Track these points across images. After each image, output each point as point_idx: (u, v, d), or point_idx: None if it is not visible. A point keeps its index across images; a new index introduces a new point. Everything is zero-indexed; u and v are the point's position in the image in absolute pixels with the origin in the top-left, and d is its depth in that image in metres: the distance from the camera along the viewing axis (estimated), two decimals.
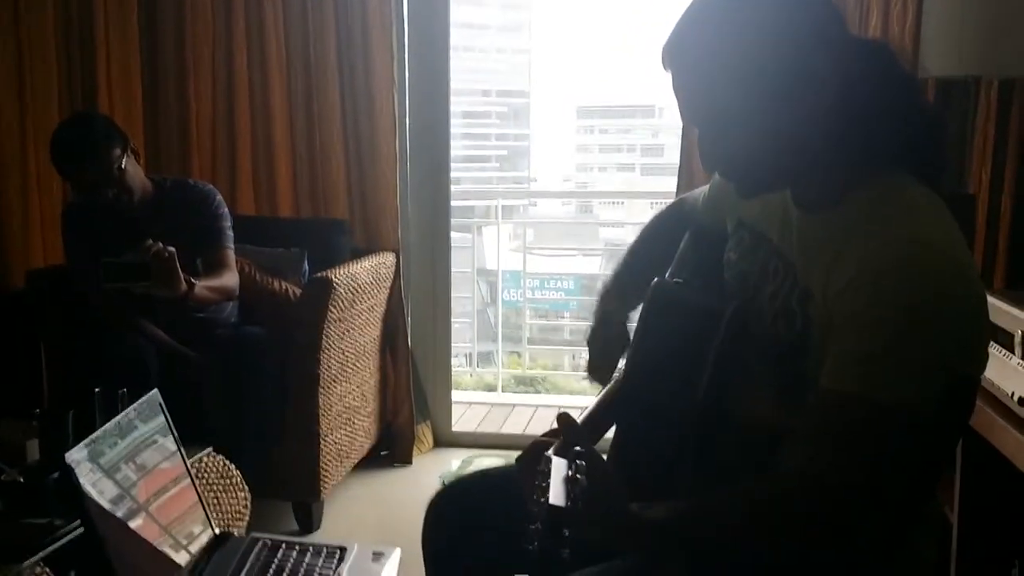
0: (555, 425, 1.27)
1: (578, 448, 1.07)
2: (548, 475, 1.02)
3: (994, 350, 1.76)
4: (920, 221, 1.11)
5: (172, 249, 2.50)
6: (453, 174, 3.72)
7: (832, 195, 1.18)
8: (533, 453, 1.27)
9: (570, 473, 1.02)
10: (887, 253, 1.08)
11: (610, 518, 1.08)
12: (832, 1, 1.21)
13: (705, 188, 1.56)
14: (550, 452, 1.15)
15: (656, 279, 1.41)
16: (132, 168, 2.75)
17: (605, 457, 1.30)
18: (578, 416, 1.48)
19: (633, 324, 1.51)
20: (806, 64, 1.12)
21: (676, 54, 1.17)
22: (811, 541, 1.11)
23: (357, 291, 3.02)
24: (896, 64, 1.21)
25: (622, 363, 1.50)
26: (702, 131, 1.19)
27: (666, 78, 1.19)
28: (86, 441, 1.37)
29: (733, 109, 1.13)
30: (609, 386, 1.52)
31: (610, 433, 1.48)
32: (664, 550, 1.13)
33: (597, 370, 1.54)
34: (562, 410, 1.24)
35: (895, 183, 1.15)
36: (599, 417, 1.50)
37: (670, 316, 1.37)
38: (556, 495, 0.98)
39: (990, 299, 1.22)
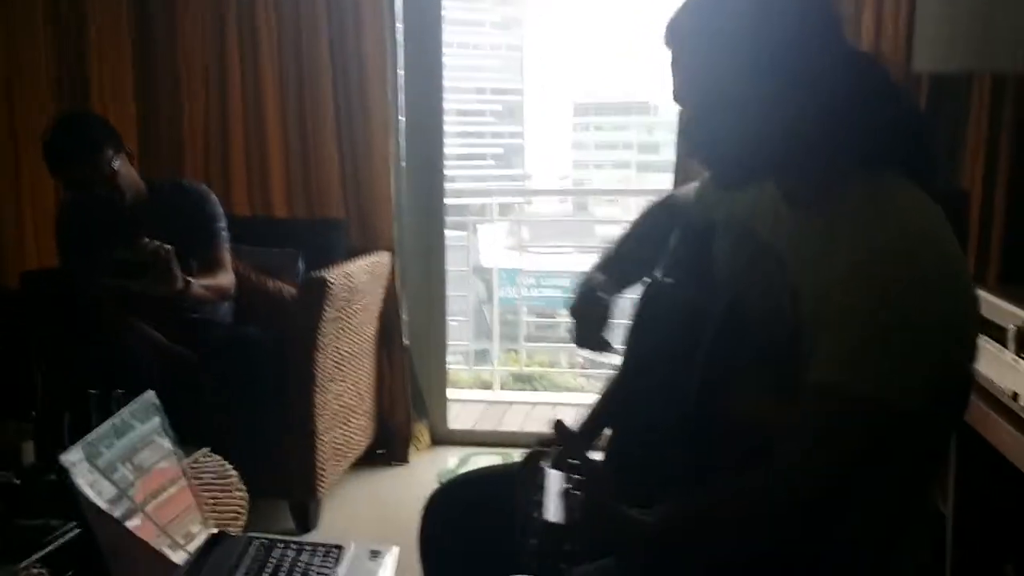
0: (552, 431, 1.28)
1: (571, 460, 1.07)
2: (543, 489, 1.02)
3: (988, 345, 1.77)
4: (906, 219, 1.11)
5: (169, 247, 2.50)
6: (448, 172, 3.72)
7: (820, 193, 1.19)
8: (530, 464, 1.27)
9: (565, 487, 1.02)
10: (873, 249, 1.09)
11: (606, 524, 1.08)
12: (835, 6, 1.22)
13: (696, 184, 1.56)
14: (545, 464, 1.15)
15: (647, 279, 1.42)
16: (125, 168, 2.75)
17: (601, 457, 1.30)
18: (575, 418, 1.48)
19: (618, 304, 1.51)
20: (804, 60, 1.13)
21: (678, 31, 1.18)
22: (803, 534, 1.12)
23: (353, 290, 3.02)
24: (888, 73, 1.22)
25: (615, 361, 1.50)
26: (691, 113, 1.19)
27: (662, 62, 1.19)
28: (82, 442, 1.37)
29: (727, 93, 1.14)
30: (604, 388, 1.52)
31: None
32: (660, 552, 1.13)
33: (582, 338, 1.53)
34: (558, 416, 1.24)
35: (883, 183, 1.15)
36: (596, 420, 1.50)
37: (662, 317, 1.37)
38: (552, 510, 0.98)
39: (983, 294, 1.22)
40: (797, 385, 1.14)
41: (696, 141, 1.20)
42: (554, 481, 1.03)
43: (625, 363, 1.42)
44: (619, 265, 1.56)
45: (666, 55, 1.19)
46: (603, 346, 1.52)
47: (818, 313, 1.13)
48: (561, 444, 1.22)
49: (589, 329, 1.52)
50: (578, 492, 1.01)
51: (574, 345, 1.55)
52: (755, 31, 1.12)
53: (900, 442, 1.09)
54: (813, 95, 1.13)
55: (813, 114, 1.14)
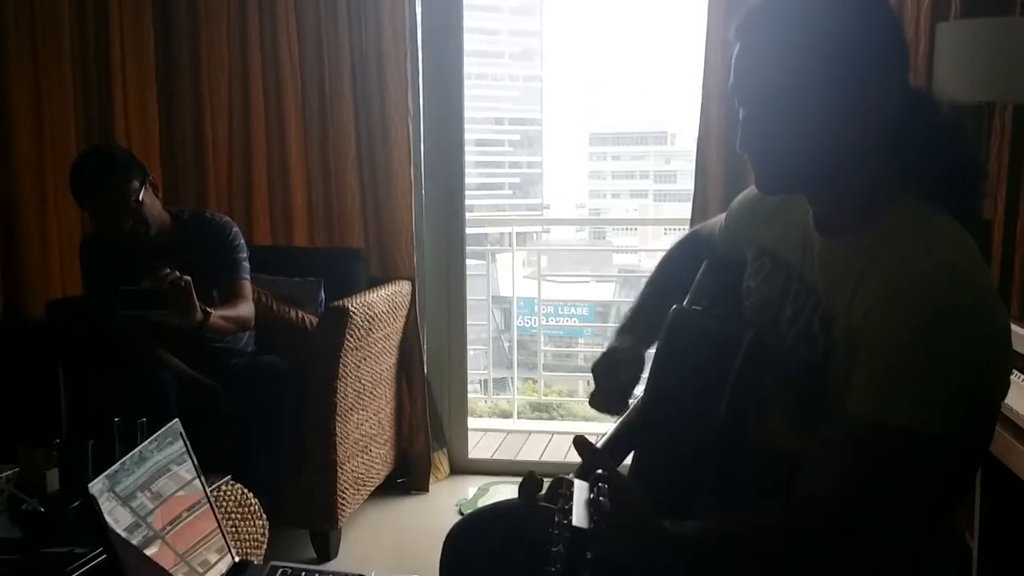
0: (573, 453, 1.27)
1: (599, 471, 1.07)
2: (570, 498, 1.02)
3: (1012, 376, 1.76)
4: (943, 248, 1.11)
5: (188, 278, 2.52)
6: (467, 202, 3.74)
7: (856, 219, 1.18)
8: (553, 485, 1.27)
9: (591, 496, 1.02)
10: (910, 279, 1.08)
11: (637, 531, 1.08)
12: (907, 40, 1.22)
13: (721, 217, 1.56)
14: (571, 476, 1.15)
15: (675, 306, 1.42)
16: (150, 200, 2.78)
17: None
18: (596, 442, 1.48)
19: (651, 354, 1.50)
20: (874, 83, 1.13)
21: (752, 28, 1.17)
22: (832, 564, 1.11)
23: (373, 319, 3.04)
24: (942, 107, 1.22)
25: (640, 390, 1.50)
26: (751, 110, 1.18)
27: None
28: (107, 472, 1.38)
29: (791, 99, 1.13)
30: (628, 413, 1.52)
31: (628, 460, 1.48)
32: (689, 565, 1.12)
33: (600, 402, 1.53)
34: (580, 434, 1.24)
35: (919, 211, 1.15)
36: (618, 442, 1.50)
37: (689, 342, 1.38)
38: (579, 517, 0.98)
39: None
40: (826, 411, 1.14)
41: (750, 138, 1.18)
42: (580, 490, 1.03)
43: (651, 387, 1.42)
44: (648, 316, 1.55)
45: (733, 47, 1.19)
46: (620, 411, 1.52)
47: (851, 341, 1.13)
48: (585, 459, 1.22)
49: (608, 394, 1.50)
50: (604, 499, 1.01)
51: (590, 405, 1.54)
52: (824, 39, 1.12)
53: (931, 473, 1.08)
54: (867, 120, 1.13)
55: (863, 138, 1.14)
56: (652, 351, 1.50)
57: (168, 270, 2.52)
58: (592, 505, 1.00)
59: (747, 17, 1.18)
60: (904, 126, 1.16)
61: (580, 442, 1.22)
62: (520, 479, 1.22)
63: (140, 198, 2.72)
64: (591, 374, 1.52)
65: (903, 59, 1.19)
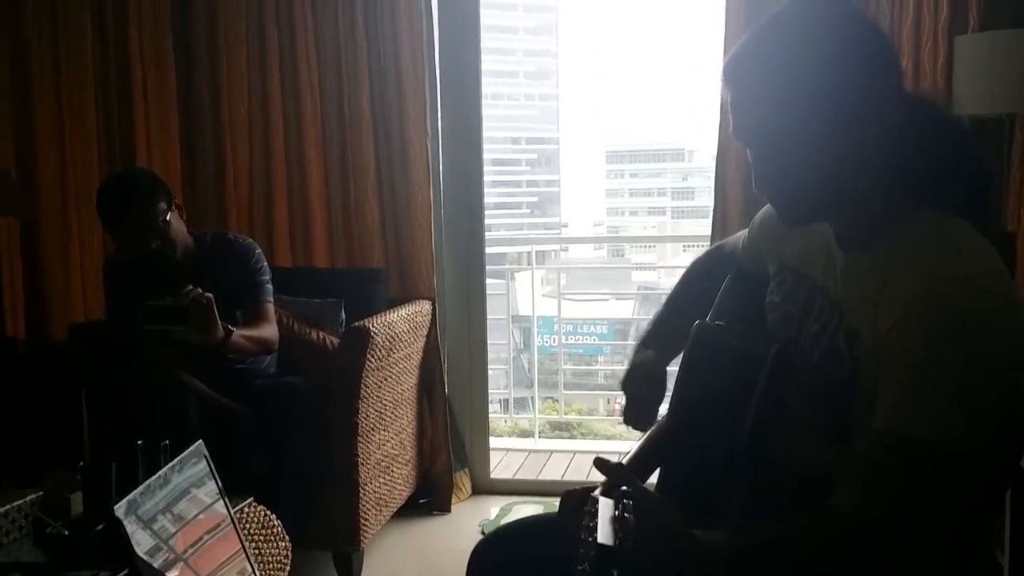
0: (595, 472, 1.27)
1: (624, 488, 1.07)
2: (595, 515, 1.01)
3: None
4: (966, 259, 1.10)
5: (210, 295, 2.53)
6: (485, 221, 3.75)
7: (877, 233, 1.18)
8: (579, 495, 1.27)
9: (616, 512, 1.01)
10: (934, 292, 1.08)
11: (665, 542, 1.07)
12: (893, 47, 1.22)
13: (743, 233, 1.56)
14: (596, 493, 1.14)
15: (698, 321, 1.41)
16: (176, 222, 2.79)
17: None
18: (621, 458, 1.47)
19: (673, 370, 1.50)
20: (867, 96, 1.12)
21: (739, 71, 1.17)
22: None
23: (394, 339, 3.04)
24: (947, 111, 1.22)
25: (664, 408, 1.50)
26: (756, 152, 1.18)
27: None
28: (132, 494, 1.39)
29: (791, 132, 1.13)
30: (653, 429, 1.52)
31: (653, 477, 1.47)
32: (720, 572, 1.11)
33: (633, 417, 1.54)
34: (598, 455, 1.24)
35: (940, 221, 1.15)
36: (643, 460, 1.49)
37: (713, 358, 1.37)
38: (604, 535, 0.97)
39: None
40: (853, 425, 1.13)
41: (761, 179, 1.19)
42: (605, 507, 1.02)
43: (675, 403, 1.42)
44: (671, 329, 1.55)
45: (724, 94, 1.19)
46: (650, 426, 1.52)
47: (877, 355, 1.12)
48: (609, 476, 1.21)
49: (640, 409, 1.52)
50: (628, 516, 1.00)
51: (623, 422, 1.55)
52: (813, 70, 1.12)
53: (962, 487, 1.07)
54: (873, 136, 1.13)
55: (873, 155, 1.14)
56: (673, 367, 1.50)
57: (191, 287, 2.53)
58: (617, 522, 1.00)
59: (731, 61, 1.18)
60: (908, 133, 1.15)
61: (601, 463, 1.22)
62: (543, 498, 1.22)
63: (167, 219, 2.74)
64: (621, 390, 1.53)
65: (890, 65, 1.18)
